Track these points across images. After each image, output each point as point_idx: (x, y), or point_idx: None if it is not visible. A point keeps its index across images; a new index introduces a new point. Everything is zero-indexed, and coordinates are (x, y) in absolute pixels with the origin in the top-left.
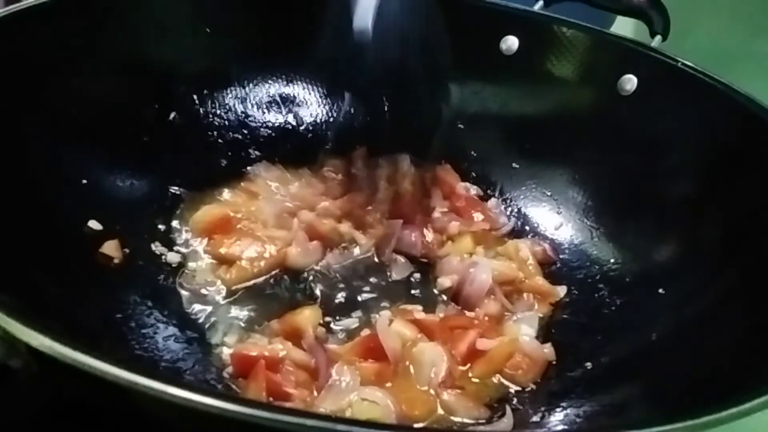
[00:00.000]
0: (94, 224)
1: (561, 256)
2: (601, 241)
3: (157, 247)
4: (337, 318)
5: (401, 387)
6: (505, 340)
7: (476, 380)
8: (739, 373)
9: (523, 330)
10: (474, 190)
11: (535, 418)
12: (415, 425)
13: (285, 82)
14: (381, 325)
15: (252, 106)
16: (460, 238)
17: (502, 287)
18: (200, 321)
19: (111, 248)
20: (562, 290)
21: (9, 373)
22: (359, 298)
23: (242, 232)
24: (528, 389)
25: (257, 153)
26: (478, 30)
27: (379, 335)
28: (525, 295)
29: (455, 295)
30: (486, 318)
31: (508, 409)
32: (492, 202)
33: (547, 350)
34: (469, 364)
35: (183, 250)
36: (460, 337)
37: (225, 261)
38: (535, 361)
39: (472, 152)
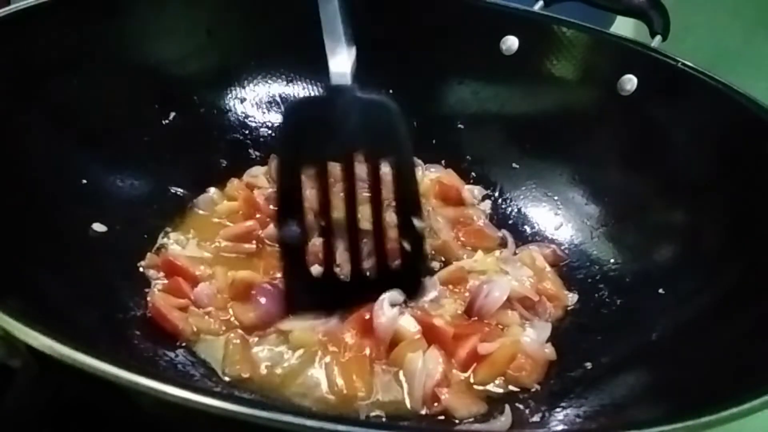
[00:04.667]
0: (98, 226)
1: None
2: (601, 241)
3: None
4: None
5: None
6: (507, 342)
7: (478, 387)
8: (739, 373)
9: (527, 332)
10: (477, 191)
11: (535, 418)
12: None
13: (285, 82)
14: (379, 305)
15: (252, 106)
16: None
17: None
18: None
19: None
20: (573, 297)
21: (9, 373)
22: None
23: None
24: (529, 390)
25: (257, 153)
26: (478, 30)
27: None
28: (544, 303)
29: (468, 308)
30: (499, 327)
31: (507, 408)
32: (487, 203)
33: (548, 350)
34: (472, 368)
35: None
36: (461, 343)
37: None
38: (538, 361)
39: (472, 152)
